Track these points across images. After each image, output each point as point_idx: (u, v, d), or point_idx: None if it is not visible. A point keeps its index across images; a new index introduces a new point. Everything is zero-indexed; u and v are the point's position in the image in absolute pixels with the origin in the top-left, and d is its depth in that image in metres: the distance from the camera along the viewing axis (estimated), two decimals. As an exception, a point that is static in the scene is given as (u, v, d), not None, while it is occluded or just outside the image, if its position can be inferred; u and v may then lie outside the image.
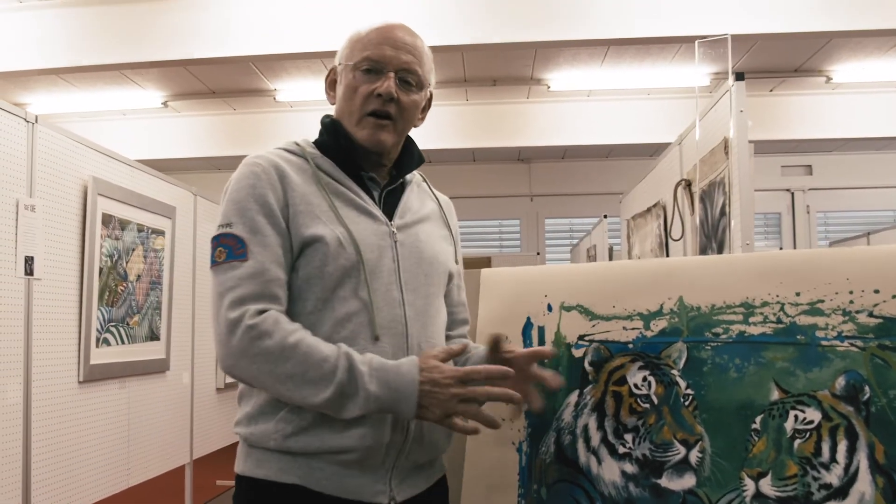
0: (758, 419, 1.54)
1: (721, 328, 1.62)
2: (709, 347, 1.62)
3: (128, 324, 3.80)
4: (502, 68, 7.28)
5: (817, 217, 9.84)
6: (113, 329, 3.65)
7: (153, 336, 4.07)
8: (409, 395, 1.41)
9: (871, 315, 1.50)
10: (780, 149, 9.14)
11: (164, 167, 4.89)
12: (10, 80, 6.69)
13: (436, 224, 1.73)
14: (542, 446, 1.76)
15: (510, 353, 1.57)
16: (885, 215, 9.78)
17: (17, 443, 2.93)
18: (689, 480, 1.57)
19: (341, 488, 1.48)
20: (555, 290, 1.82)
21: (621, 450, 1.65)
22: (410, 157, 1.72)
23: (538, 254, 9.78)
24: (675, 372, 1.63)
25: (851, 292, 1.53)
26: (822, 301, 1.55)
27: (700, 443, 1.58)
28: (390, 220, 1.61)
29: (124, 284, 3.75)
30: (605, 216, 7.01)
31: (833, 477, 1.47)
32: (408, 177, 1.74)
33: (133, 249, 3.83)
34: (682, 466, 1.58)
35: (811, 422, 1.50)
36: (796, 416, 1.51)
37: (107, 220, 3.56)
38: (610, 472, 1.65)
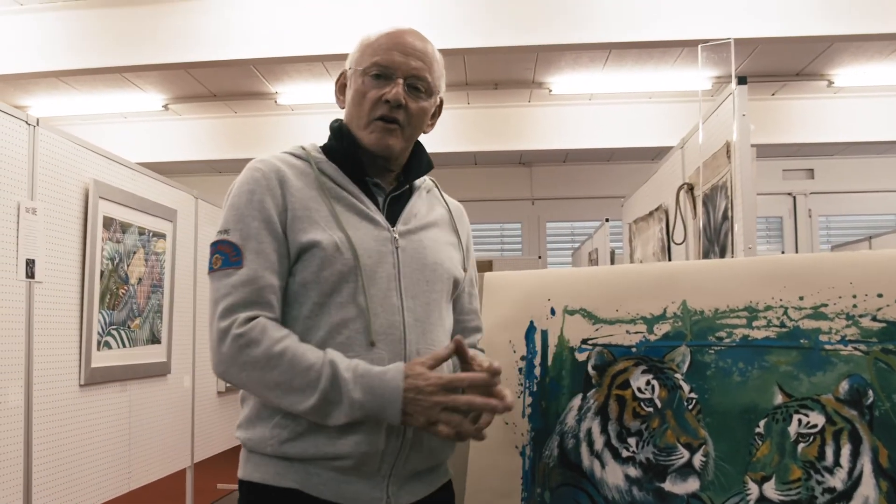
0: (761, 423, 1.54)
1: (724, 332, 1.61)
2: (712, 351, 1.61)
3: (129, 327, 3.79)
4: (504, 72, 7.28)
5: (819, 221, 9.84)
6: (114, 332, 3.64)
7: (154, 339, 4.07)
8: (394, 401, 1.41)
9: (874, 319, 1.50)
10: (782, 152, 9.14)
11: (164, 170, 4.89)
12: (11, 82, 6.69)
13: (443, 230, 1.72)
14: (545, 450, 1.76)
15: (474, 362, 1.53)
16: (886, 219, 9.77)
17: (18, 446, 2.92)
18: (692, 484, 1.57)
19: (338, 494, 1.48)
20: (558, 294, 1.82)
21: (625, 454, 1.65)
22: (419, 163, 1.71)
23: (539, 257, 9.79)
24: (678, 376, 1.63)
25: (855, 296, 1.53)
26: (826, 305, 1.55)
27: (704, 447, 1.58)
28: (394, 225, 1.61)
29: (125, 287, 3.75)
30: (607, 220, 7.00)
31: (837, 481, 1.47)
32: (417, 182, 1.73)
33: (134, 252, 3.83)
34: (686, 470, 1.58)
35: (815, 426, 1.50)
36: (800, 420, 1.51)
37: (108, 223, 3.56)
38: (613, 476, 1.65)
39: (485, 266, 7.28)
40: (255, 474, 1.52)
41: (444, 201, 1.80)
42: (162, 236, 4.13)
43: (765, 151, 7.59)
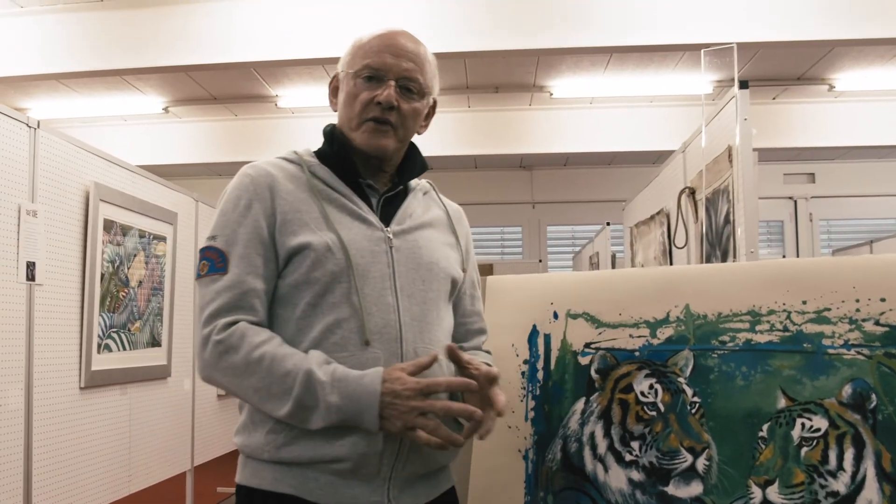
0: (765, 427, 1.54)
1: (728, 336, 1.61)
2: (715, 355, 1.61)
3: (129, 330, 3.79)
4: (505, 75, 7.28)
5: (820, 225, 9.84)
6: (114, 335, 3.64)
7: (154, 342, 4.07)
8: (371, 406, 1.41)
9: (877, 323, 1.50)
10: (783, 157, 9.15)
11: (164, 173, 4.88)
12: (11, 84, 6.70)
13: (440, 231, 1.71)
14: (548, 454, 1.76)
15: (470, 366, 1.52)
16: (887, 223, 9.77)
17: (19, 448, 2.92)
18: (695, 488, 1.57)
19: (337, 498, 1.47)
20: (561, 298, 1.82)
21: (628, 457, 1.64)
22: (413, 164, 1.71)
23: (540, 261, 9.78)
24: (681, 380, 1.63)
25: (858, 301, 1.53)
26: (829, 309, 1.55)
27: (707, 450, 1.57)
28: (388, 226, 1.60)
29: (126, 290, 3.75)
30: (608, 223, 7.00)
31: (840, 485, 1.47)
32: (412, 184, 1.73)
33: (134, 255, 3.83)
34: (689, 474, 1.58)
35: (818, 430, 1.50)
36: (803, 424, 1.51)
37: (108, 225, 3.56)
38: (617, 479, 1.65)
39: (485, 270, 7.27)
40: (253, 480, 1.52)
41: (442, 203, 1.79)
42: (162, 239, 4.13)
43: (766, 155, 7.59)
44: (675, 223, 3.77)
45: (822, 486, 1.47)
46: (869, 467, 1.45)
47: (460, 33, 5.45)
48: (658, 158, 7.81)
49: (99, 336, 3.49)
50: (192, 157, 8.60)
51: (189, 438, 4.55)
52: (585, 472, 1.69)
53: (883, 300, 1.51)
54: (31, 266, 2.99)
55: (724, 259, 3.02)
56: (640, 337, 1.70)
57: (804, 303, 1.57)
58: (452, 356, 1.50)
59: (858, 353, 1.50)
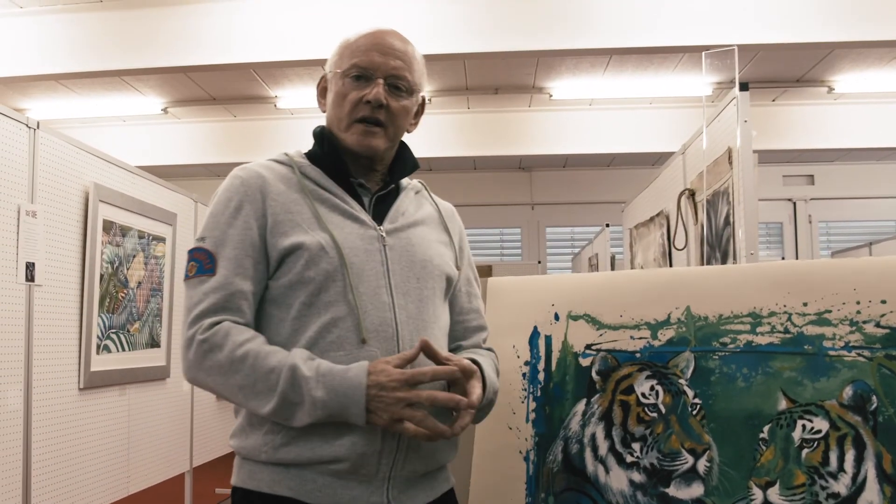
0: (765, 428, 1.54)
1: (728, 338, 1.62)
2: (716, 357, 1.62)
3: (128, 331, 3.79)
4: (504, 77, 7.29)
5: (819, 227, 9.84)
6: (113, 336, 3.64)
7: (153, 343, 4.06)
8: (357, 399, 1.40)
9: (878, 325, 1.51)
10: (782, 158, 9.15)
11: (163, 174, 4.88)
12: (10, 85, 6.69)
13: (433, 228, 1.71)
14: (549, 455, 1.76)
15: (450, 361, 1.50)
16: (887, 225, 9.79)
17: (18, 449, 2.92)
18: (696, 489, 1.57)
19: (335, 500, 1.47)
20: (562, 300, 1.82)
21: (629, 459, 1.65)
22: (404, 162, 1.71)
23: (539, 262, 9.78)
24: (682, 381, 1.63)
25: (858, 303, 1.54)
26: (830, 311, 1.56)
27: (708, 452, 1.58)
28: (381, 224, 1.60)
29: (125, 291, 3.75)
30: (608, 225, 7.00)
31: (841, 486, 1.47)
32: (404, 182, 1.73)
33: (134, 256, 3.83)
34: (690, 475, 1.58)
35: (819, 431, 1.50)
36: (804, 426, 1.51)
37: (108, 226, 3.55)
38: (618, 481, 1.65)
39: (484, 271, 7.27)
40: (250, 482, 1.51)
41: (434, 202, 1.79)
42: (161, 240, 4.12)
43: (765, 157, 7.59)
44: (674, 225, 3.77)
45: (823, 488, 1.47)
46: (870, 469, 1.46)
47: (460, 35, 5.45)
48: (657, 160, 7.82)
49: (98, 337, 3.48)
50: (191, 157, 8.59)
51: (188, 439, 4.55)
52: (586, 473, 1.69)
53: (884, 302, 1.51)
54: (30, 267, 2.99)
55: (724, 261, 3.02)
56: (641, 338, 1.70)
57: (805, 305, 1.58)
58: (427, 351, 1.48)
59: (859, 354, 1.51)
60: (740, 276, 1.68)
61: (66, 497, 3.20)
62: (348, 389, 1.40)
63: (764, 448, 1.53)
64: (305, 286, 1.50)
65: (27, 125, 3.01)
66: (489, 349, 1.75)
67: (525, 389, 1.82)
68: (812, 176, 9.78)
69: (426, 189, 1.80)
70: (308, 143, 1.70)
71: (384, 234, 1.59)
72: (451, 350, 1.68)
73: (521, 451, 1.80)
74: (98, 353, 3.48)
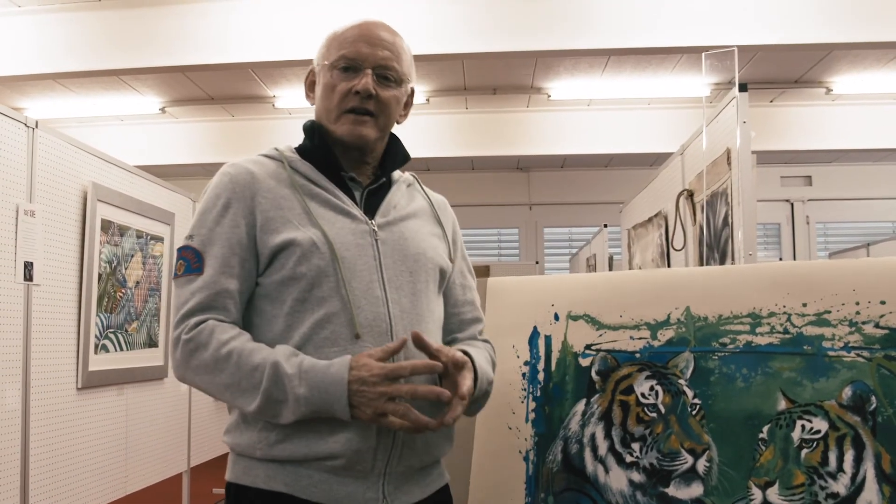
0: (765, 429, 1.54)
1: (728, 338, 1.62)
2: (716, 357, 1.62)
3: (126, 330, 3.78)
4: (503, 77, 7.29)
5: (817, 228, 9.85)
6: (111, 335, 3.63)
7: (151, 343, 4.06)
8: (339, 395, 1.40)
9: (877, 326, 1.51)
10: (780, 159, 9.16)
11: (161, 173, 4.87)
12: (7, 84, 6.68)
13: (425, 221, 1.71)
14: (549, 455, 1.76)
15: (440, 353, 1.49)
16: (884, 226, 9.79)
17: (16, 448, 2.91)
18: (696, 489, 1.57)
19: (330, 496, 1.47)
20: (562, 300, 1.82)
21: (629, 459, 1.65)
22: (395, 155, 1.70)
23: (537, 263, 9.78)
24: (682, 381, 1.63)
25: (858, 303, 1.54)
26: (829, 312, 1.56)
27: (707, 452, 1.58)
28: (372, 218, 1.60)
29: (123, 291, 3.74)
30: (605, 225, 7.00)
31: (840, 486, 1.47)
32: (395, 176, 1.73)
33: (132, 256, 3.82)
34: (690, 475, 1.58)
35: (818, 431, 1.51)
36: (803, 426, 1.52)
37: (106, 225, 3.55)
38: (617, 480, 1.65)
39: (482, 272, 7.27)
40: (245, 478, 1.51)
41: (426, 194, 1.78)
42: (159, 239, 4.12)
43: (763, 158, 7.58)
44: (672, 225, 3.77)
45: (822, 488, 1.48)
46: (869, 469, 1.46)
47: (459, 35, 5.45)
48: (655, 161, 7.82)
49: (96, 336, 3.48)
50: (189, 157, 8.58)
51: (185, 439, 4.54)
52: (586, 473, 1.69)
53: (883, 303, 1.52)
54: (28, 266, 2.98)
55: (722, 262, 3.02)
56: (640, 339, 1.70)
57: (804, 305, 1.58)
58: (418, 343, 1.47)
59: (858, 355, 1.51)
60: (740, 276, 1.68)
61: (63, 496, 3.19)
62: (330, 385, 1.40)
63: (763, 448, 1.53)
64: (297, 282, 1.50)
65: (26, 124, 3.01)
66: (485, 341, 1.74)
67: (525, 389, 1.83)
68: (810, 177, 9.79)
69: (418, 182, 1.80)
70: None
71: (376, 229, 1.58)
72: (447, 342, 1.67)
73: (520, 451, 1.80)
74: (96, 352, 3.48)
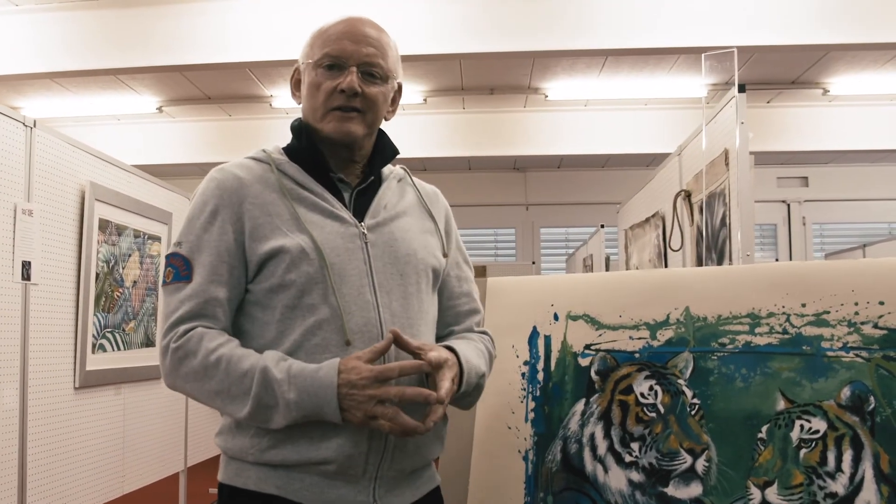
0: (764, 429, 1.54)
1: (727, 338, 1.62)
2: (715, 357, 1.62)
3: (124, 330, 3.78)
4: (500, 77, 7.29)
5: (813, 229, 9.87)
6: (109, 335, 3.63)
7: (149, 342, 4.05)
8: (329, 399, 1.39)
9: (875, 326, 1.51)
10: (777, 160, 9.17)
11: (158, 173, 4.87)
12: (4, 83, 6.66)
13: (416, 218, 1.68)
14: (548, 455, 1.76)
15: (422, 351, 1.47)
16: (880, 227, 9.81)
17: (13, 448, 2.91)
18: (695, 489, 1.57)
19: (321, 499, 1.47)
20: (561, 300, 1.83)
21: (628, 458, 1.65)
22: (383, 152, 1.68)
23: (534, 263, 9.78)
24: (681, 381, 1.63)
25: (857, 304, 1.54)
26: (828, 312, 1.56)
27: (706, 452, 1.58)
28: (362, 220, 1.58)
29: (120, 290, 3.74)
30: (602, 226, 7.00)
31: (839, 486, 1.47)
32: (385, 172, 1.70)
33: (129, 255, 3.82)
34: (689, 475, 1.59)
35: (817, 431, 1.51)
36: (802, 426, 1.52)
37: (104, 225, 3.55)
38: (616, 480, 1.65)
39: (479, 272, 7.26)
40: (237, 479, 1.51)
41: (416, 187, 1.75)
42: (157, 239, 4.12)
43: (760, 159, 7.58)
44: (670, 226, 3.78)
45: (821, 488, 1.48)
46: (867, 469, 1.46)
47: (456, 35, 5.45)
48: (652, 161, 7.83)
49: (94, 336, 3.48)
50: (186, 157, 8.57)
51: (182, 439, 4.54)
52: (585, 472, 1.70)
53: (881, 303, 1.52)
54: (26, 265, 2.98)
55: (719, 262, 3.03)
56: (640, 339, 1.71)
57: (803, 305, 1.58)
58: (398, 342, 1.46)
59: (857, 355, 1.52)
60: (739, 277, 1.68)
61: (61, 496, 3.19)
62: (319, 389, 1.39)
63: (762, 448, 1.53)
64: (287, 289, 1.49)
65: (24, 124, 3.00)
66: (483, 332, 1.71)
67: (524, 389, 1.83)
68: (806, 178, 9.80)
69: (409, 175, 1.77)
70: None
71: (365, 231, 1.56)
72: (443, 335, 1.66)
73: (520, 451, 1.80)
74: (93, 352, 3.47)
